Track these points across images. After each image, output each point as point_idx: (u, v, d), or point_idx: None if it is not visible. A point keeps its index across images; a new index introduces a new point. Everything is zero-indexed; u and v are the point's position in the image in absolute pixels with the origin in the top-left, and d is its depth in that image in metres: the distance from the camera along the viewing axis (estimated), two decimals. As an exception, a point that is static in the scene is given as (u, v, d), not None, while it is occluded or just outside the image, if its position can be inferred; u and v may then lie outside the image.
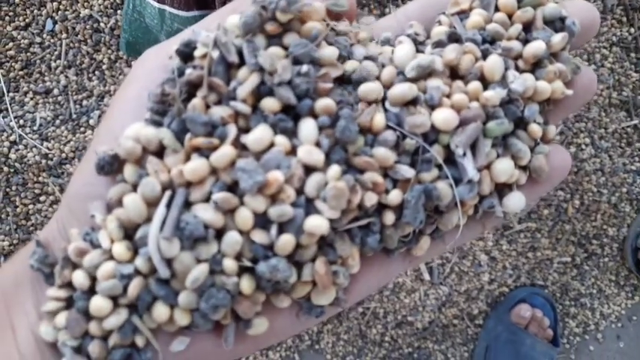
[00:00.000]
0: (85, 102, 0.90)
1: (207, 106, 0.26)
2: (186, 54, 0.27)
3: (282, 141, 0.26)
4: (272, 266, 0.25)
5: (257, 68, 0.26)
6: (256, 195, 0.25)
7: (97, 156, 0.26)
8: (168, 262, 0.25)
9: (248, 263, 0.25)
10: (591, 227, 1.00)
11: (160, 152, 0.26)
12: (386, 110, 0.28)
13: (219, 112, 0.26)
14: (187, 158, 0.26)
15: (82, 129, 0.91)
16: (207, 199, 0.25)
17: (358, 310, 1.00)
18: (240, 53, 0.26)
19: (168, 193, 0.25)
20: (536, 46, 0.28)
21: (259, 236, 0.25)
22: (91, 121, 0.90)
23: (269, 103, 0.26)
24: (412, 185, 0.27)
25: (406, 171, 0.27)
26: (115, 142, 0.26)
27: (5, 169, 0.89)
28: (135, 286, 0.25)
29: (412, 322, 1.00)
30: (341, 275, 0.27)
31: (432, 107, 0.28)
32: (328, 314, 0.29)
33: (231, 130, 0.26)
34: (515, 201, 0.29)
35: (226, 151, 0.25)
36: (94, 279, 0.26)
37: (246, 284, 0.26)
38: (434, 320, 1.00)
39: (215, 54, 0.26)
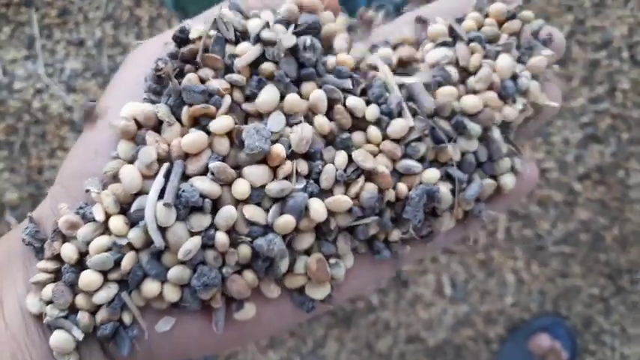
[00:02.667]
0: (118, 58, 0.88)
1: (202, 82, 0.28)
2: (181, 39, 0.28)
3: (293, 98, 0.27)
4: (269, 240, 0.26)
5: (257, 39, 0.28)
6: (255, 166, 0.26)
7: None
8: (163, 233, 0.25)
9: (246, 238, 0.26)
10: (625, 261, 0.97)
11: (156, 128, 0.27)
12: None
13: (214, 83, 0.27)
14: (186, 131, 0.27)
15: (111, 85, 0.87)
16: (203, 172, 0.26)
17: (369, 317, 0.96)
18: (237, 33, 0.28)
19: (165, 165, 0.26)
20: (539, 59, 0.32)
21: (257, 214, 0.26)
22: (123, 79, 0.87)
23: (268, 67, 0.27)
24: (416, 184, 0.29)
25: (415, 166, 0.28)
26: (110, 124, 0.27)
27: (26, 117, 0.86)
28: (129, 260, 0.26)
29: (425, 338, 0.97)
30: (339, 269, 0.28)
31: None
32: (318, 310, 0.29)
33: (227, 100, 0.27)
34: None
35: (225, 119, 0.26)
36: (82, 254, 0.26)
37: (245, 251, 0.26)
38: (448, 339, 0.97)
39: (212, 33, 0.28)
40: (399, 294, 0.96)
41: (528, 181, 0.32)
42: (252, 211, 0.26)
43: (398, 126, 0.28)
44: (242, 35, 0.29)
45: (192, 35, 0.28)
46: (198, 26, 0.28)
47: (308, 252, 0.28)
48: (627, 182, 0.94)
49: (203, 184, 0.25)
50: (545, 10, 0.91)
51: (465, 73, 0.31)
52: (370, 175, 0.28)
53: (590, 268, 0.97)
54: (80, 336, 0.26)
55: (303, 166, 0.27)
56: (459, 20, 0.32)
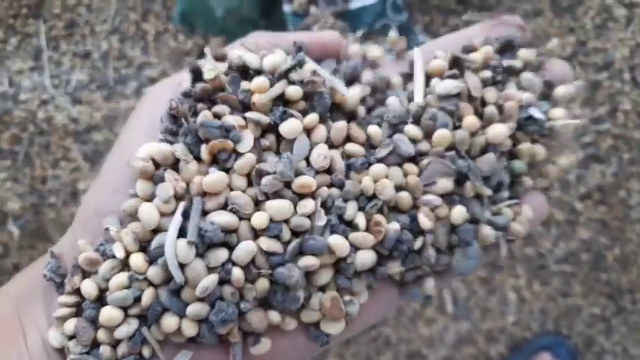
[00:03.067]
0: (123, 70, 0.88)
1: (218, 118, 0.28)
2: (195, 78, 0.29)
3: (320, 130, 0.28)
4: (289, 268, 0.26)
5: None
6: (277, 200, 0.26)
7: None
8: (182, 269, 0.26)
9: (265, 271, 0.26)
10: (626, 281, 0.97)
11: (174, 167, 0.28)
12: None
13: (230, 119, 0.28)
14: (204, 168, 0.28)
15: (116, 97, 0.88)
16: (222, 209, 0.27)
17: (371, 333, 0.95)
18: (250, 71, 0.29)
19: (183, 203, 0.26)
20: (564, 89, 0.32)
21: (275, 246, 0.26)
22: (127, 91, 0.87)
23: (293, 92, 0.28)
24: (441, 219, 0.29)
25: (435, 200, 0.29)
26: (128, 163, 0.28)
27: (31, 128, 0.86)
28: (148, 295, 0.26)
29: (425, 355, 0.96)
30: (353, 307, 0.29)
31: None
32: (333, 342, 0.30)
33: (249, 135, 0.27)
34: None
35: (249, 157, 0.27)
36: (102, 290, 0.27)
37: (263, 285, 0.26)
38: (449, 357, 0.96)
39: (223, 76, 0.29)
40: (400, 310, 0.95)
41: (540, 211, 0.33)
42: (269, 243, 0.26)
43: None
44: (256, 72, 0.29)
45: (206, 76, 0.28)
46: (209, 65, 0.29)
47: (323, 288, 0.28)
48: (628, 202, 0.94)
49: (222, 218, 0.26)
50: (547, 31, 0.92)
51: (476, 103, 0.31)
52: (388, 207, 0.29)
53: (592, 288, 0.96)
54: None
55: (324, 193, 0.27)
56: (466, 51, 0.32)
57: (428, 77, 0.32)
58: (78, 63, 0.88)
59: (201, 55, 1.00)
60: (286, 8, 0.72)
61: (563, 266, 0.95)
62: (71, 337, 0.27)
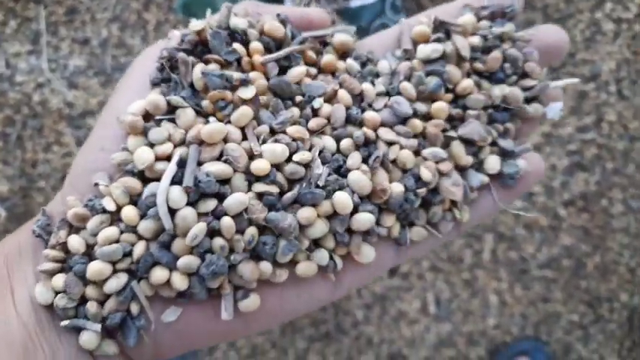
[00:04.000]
0: (122, 59, 0.88)
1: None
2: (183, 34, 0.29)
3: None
4: (282, 214, 0.26)
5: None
6: (274, 144, 0.26)
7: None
8: (172, 218, 0.26)
9: (258, 215, 0.26)
10: (605, 289, 0.98)
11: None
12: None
13: (231, 72, 0.28)
14: (202, 119, 0.28)
15: (113, 84, 0.88)
16: (216, 160, 0.27)
17: (352, 333, 0.95)
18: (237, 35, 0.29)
19: (178, 151, 0.26)
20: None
21: (270, 188, 0.26)
22: (125, 79, 0.87)
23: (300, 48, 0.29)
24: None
25: (441, 153, 0.29)
26: (118, 120, 0.28)
27: (25, 110, 0.86)
28: (140, 248, 0.26)
29: (406, 355, 0.96)
30: (333, 269, 0.29)
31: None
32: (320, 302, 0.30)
33: (250, 86, 0.27)
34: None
35: (246, 109, 0.27)
36: (89, 246, 0.26)
37: (251, 232, 0.26)
38: (429, 358, 0.96)
39: (209, 30, 0.29)
40: (383, 309, 0.96)
41: (536, 171, 0.32)
42: (265, 187, 0.26)
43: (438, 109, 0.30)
44: (243, 35, 0.29)
45: (192, 27, 0.28)
46: (197, 22, 0.29)
47: (315, 241, 0.28)
48: (610, 211, 0.95)
49: (217, 167, 0.26)
50: (538, 41, 0.95)
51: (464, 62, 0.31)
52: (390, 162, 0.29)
53: (571, 295, 0.98)
54: (98, 327, 0.26)
55: (329, 142, 0.28)
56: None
57: (415, 44, 0.32)
58: (76, 49, 0.88)
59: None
60: (288, 4, 0.73)
61: (544, 272, 0.96)
62: (57, 293, 0.26)
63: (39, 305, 0.26)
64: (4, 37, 0.87)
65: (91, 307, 0.26)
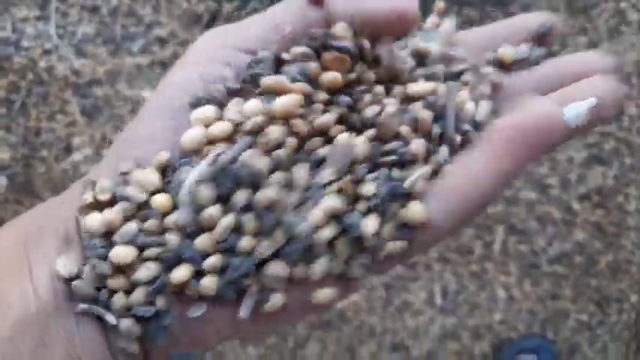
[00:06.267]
0: (132, 28, 0.87)
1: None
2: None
3: None
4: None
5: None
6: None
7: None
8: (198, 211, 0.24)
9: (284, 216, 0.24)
10: (615, 289, 0.97)
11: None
12: None
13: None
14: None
15: (122, 53, 0.87)
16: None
17: (354, 321, 0.95)
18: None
19: (242, 139, 0.25)
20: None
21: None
22: (134, 48, 0.86)
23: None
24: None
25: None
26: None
27: (30, 76, 0.85)
28: (174, 239, 0.24)
29: (409, 347, 0.95)
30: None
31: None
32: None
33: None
34: None
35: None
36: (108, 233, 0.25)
37: (281, 235, 0.25)
38: (432, 351, 0.95)
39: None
40: (388, 299, 0.95)
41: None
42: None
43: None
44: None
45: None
46: None
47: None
48: (626, 208, 0.95)
49: (259, 161, 0.24)
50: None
51: None
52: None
53: (581, 293, 0.97)
54: (114, 321, 0.24)
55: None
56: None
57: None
58: (86, 16, 0.87)
59: (213, 20, 0.99)
60: None
61: (555, 267, 0.95)
62: (76, 277, 0.25)
63: (59, 284, 0.25)
64: (12, 1, 0.86)
65: (118, 298, 0.24)
